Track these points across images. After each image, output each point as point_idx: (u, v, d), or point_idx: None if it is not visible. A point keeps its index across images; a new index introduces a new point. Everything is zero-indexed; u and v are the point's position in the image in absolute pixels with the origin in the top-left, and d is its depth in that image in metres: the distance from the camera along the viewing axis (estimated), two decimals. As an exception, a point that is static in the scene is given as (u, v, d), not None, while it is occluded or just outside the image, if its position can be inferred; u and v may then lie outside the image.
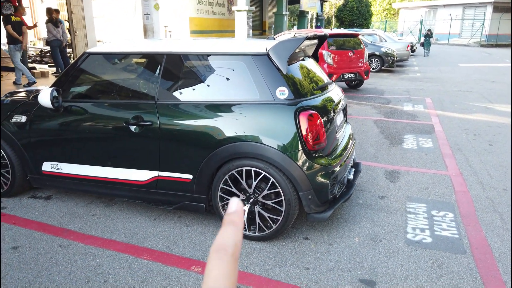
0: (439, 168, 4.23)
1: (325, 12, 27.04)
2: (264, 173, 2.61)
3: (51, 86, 3.16)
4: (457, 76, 12.24)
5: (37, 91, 3.56)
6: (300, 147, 2.57)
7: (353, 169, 3.32)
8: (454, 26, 33.03)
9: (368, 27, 27.08)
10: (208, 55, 2.83)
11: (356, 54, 8.82)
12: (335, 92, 3.15)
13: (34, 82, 8.06)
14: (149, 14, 9.76)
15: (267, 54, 2.69)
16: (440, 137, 5.45)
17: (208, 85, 2.80)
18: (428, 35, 20.42)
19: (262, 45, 2.78)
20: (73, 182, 3.21)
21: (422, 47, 20.81)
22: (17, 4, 9.72)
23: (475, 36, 31.12)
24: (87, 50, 3.17)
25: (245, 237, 2.79)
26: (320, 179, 2.63)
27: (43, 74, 9.45)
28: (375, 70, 13.06)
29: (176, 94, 2.84)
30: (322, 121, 2.67)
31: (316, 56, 3.52)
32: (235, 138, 2.63)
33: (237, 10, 14.20)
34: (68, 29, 10.11)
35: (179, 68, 2.87)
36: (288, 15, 19.93)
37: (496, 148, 4.95)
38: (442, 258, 2.61)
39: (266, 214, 2.70)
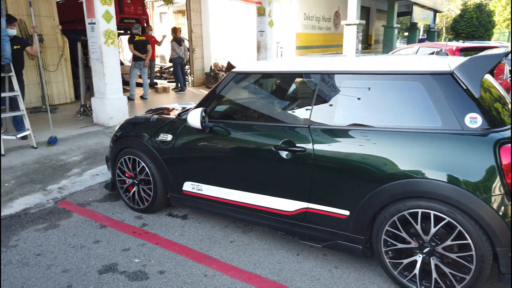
0: None
1: (436, 24, 24.94)
2: (448, 219, 2.13)
3: (197, 106, 3.10)
4: None
5: (182, 109, 3.57)
6: (500, 190, 2.03)
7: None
8: None
9: (489, 39, 24.26)
10: (373, 74, 2.46)
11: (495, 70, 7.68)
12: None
13: (133, 100, 8.52)
14: (264, 31, 9.85)
15: (452, 73, 2.23)
16: None
17: (374, 109, 2.42)
18: None
19: (442, 63, 2.33)
20: (213, 205, 3.08)
21: None
22: (144, 24, 10.63)
23: None
24: (234, 69, 3.05)
25: (414, 292, 2.32)
26: (527, 232, 2.06)
27: (165, 90, 10.10)
28: (508, 87, 11.39)
29: (334, 117, 2.52)
30: (528, 158, 2.10)
31: (492, 73, 2.93)
32: (410, 173, 2.20)
33: (347, 24, 13.70)
34: (187, 47, 10.72)
35: (338, 89, 2.55)
36: (400, 28, 18.78)
37: None
38: None
39: (447, 270, 2.20)
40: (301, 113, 2.72)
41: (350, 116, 2.49)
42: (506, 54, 2.20)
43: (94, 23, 5.96)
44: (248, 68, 3.06)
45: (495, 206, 2.03)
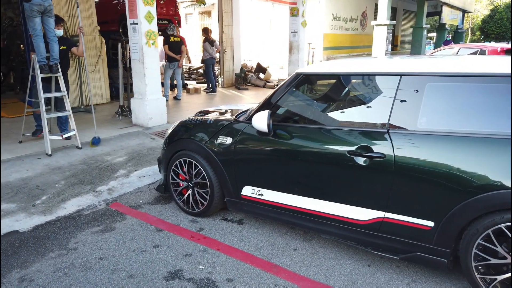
0: None
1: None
2: (555, 233, 1.96)
3: (258, 108, 2.99)
4: None
5: (239, 111, 3.47)
6: None
7: None
8: None
9: (521, 40, 23.48)
10: (462, 76, 2.30)
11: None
12: None
13: (167, 101, 8.45)
14: (296, 32, 9.72)
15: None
16: None
17: (462, 113, 2.27)
18: None
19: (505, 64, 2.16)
20: (276, 211, 2.97)
21: None
22: (177, 24, 10.64)
23: None
24: (299, 71, 2.94)
25: (510, 311, 2.15)
26: None
27: (196, 90, 10.07)
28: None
29: (417, 121, 2.37)
30: None
31: None
32: (508, 183, 2.03)
33: (377, 25, 13.43)
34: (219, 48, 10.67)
35: (421, 92, 2.40)
36: (428, 28, 18.34)
37: None
38: None
39: (550, 288, 2.03)
40: (379, 116, 2.58)
41: (435, 120, 2.34)
42: None
43: (136, 24, 5.94)
44: (314, 70, 2.94)
45: None
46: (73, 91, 7.44)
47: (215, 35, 11.33)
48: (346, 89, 2.99)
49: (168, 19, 10.43)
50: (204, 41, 9.78)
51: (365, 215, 2.55)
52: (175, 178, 3.53)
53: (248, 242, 3.02)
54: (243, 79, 11.19)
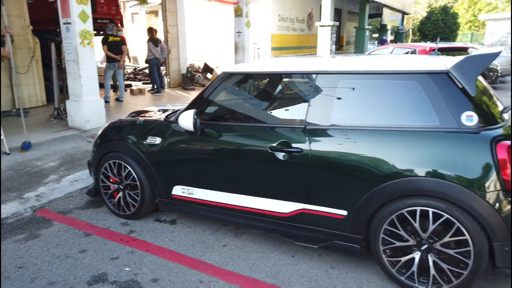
0: None
1: (403, 26, 25.69)
2: (447, 216, 2.15)
3: (187, 107, 3.02)
4: None
5: (168, 111, 3.47)
6: (497, 186, 2.08)
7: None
8: (554, 37, 29.58)
9: (454, 41, 25.23)
10: (371, 74, 2.47)
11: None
12: (514, 118, 2.61)
13: (108, 102, 8.26)
14: (241, 32, 9.81)
15: (448, 73, 2.26)
16: None
17: (372, 109, 2.43)
18: None
19: (437, 62, 2.37)
20: (206, 209, 3.01)
21: None
22: (119, 24, 10.35)
23: None
24: (225, 70, 2.99)
25: (413, 290, 2.34)
26: (522, 226, 2.11)
27: (141, 91, 9.86)
28: (475, 86, 11.87)
29: (331, 117, 2.51)
30: (521, 154, 2.16)
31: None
32: (408, 172, 2.21)
33: (321, 26, 13.88)
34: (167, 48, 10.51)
35: (334, 89, 2.54)
36: (371, 29, 19.19)
37: None
38: None
39: (445, 266, 2.23)
40: (297, 113, 2.69)
41: (347, 116, 2.48)
42: (498, 54, 2.26)
43: (70, 23, 5.73)
44: (241, 69, 3.01)
45: (491, 201, 2.08)
46: (4, 93, 7.01)
47: (160, 35, 11.15)
48: (270, 87, 3.09)
49: (109, 19, 10.13)
50: (148, 41, 9.60)
51: (287, 208, 2.66)
52: (105, 180, 3.46)
53: (178, 242, 3.03)
54: (190, 80, 11.11)
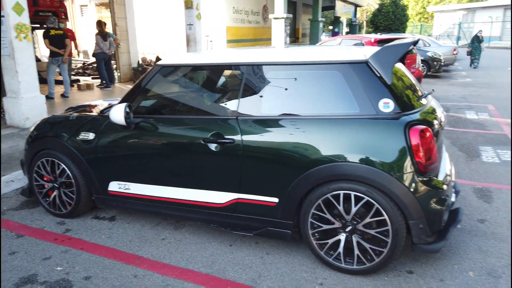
0: (536, 186, 3.74)
1: (357, 18, 26.41)
2: (367, 198, 2.27)
3: (121, 101, 2.96)
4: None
5: (105, 106, 3.39)
6: (411, 168, 2.21)
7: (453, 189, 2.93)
8: (494, 29, 31.57)
9: (404, 32, 26.25)
10: (297, 65, 2.53)
11: (407, 60, 8.33)
12: (435, 103, 2.78)
13: (52, 98, 7.96)
14: (192, 24, 9.67)
15: (367, 62, 2.37)
16: (521, 149, 4.92)
17: (298, 98, 2.50)
18: (479, 39, 14.60)
19: (359, 52, 2.46)
20: (143, 203, 2.98)
21: (470, 55, 14.73)
22: (63, 16, 9.89)
23: (518, 38, 29.51)
24: (159, 63, 2.95)
25: (341, 270, 2.45)
26: (434, 205, 2.26)
27: (88, 86, 9.51)
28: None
29: (261, 108, 2.56)
30: (433, 137, 2.31)
31: (403, 62, 3.16)
32: (332, 158, 2.30)
33: (275, 18, 13.97)
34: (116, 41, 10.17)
35: (263, 80, 2.59)
36: (324, 21, 19.53)
37: None
38: None
39: (367, 245, 2.35)
40: (229, 105, 2.72)
41: (276, 106, 2.54)
42: (414, 43, 2.39)
43: (3, 16, 5.40)
44: (174, 61, 2.98)
45: (406, 183, 2.21)
46: None
47: (109, 28, 10.76)
48: (203, 79, 3.09)
49: (52, 11, 9.66)
50: (96, 35, 9.24)
51: (223, 198, 2.69)
52: (39, 179, 3.33)
53: (116, 238, 2.98)
54: (142, 73, 10.83)
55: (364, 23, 36.26)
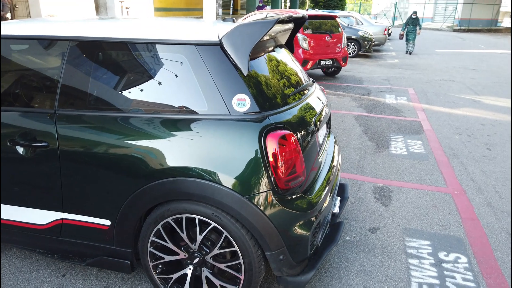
0: (437, 183, 3.51)
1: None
2: (213, 224, 1.75)
3: None
4: (437, 63, 11.67)
5: None
6: (267, 186, 1.71)
7: (339, 197, 2.52)
8: (427, 10, 32.73)
9: (343, 9, 26.25)
10: (131, 43, 1.88)
11: (333, 39, 8.00)
12: (316, 97, 2.29)
13: None
14: (101, -13, 8.50)
15: (220, 44, 1.79)
16: (431, 138, 4.74)
17: (131, 89, 1.87)
18: (414, 21, 13.28)
19: (213, 30, 1.87)
20: None
21: (405, 38, 13.50)
22: None
23: (448, 20, 30.92)
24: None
25: (189, 310, 1.94)
26: (298, 230, 1.80)
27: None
28: (351, 55, 12.33)
29: (85, 101, 1.90)
30: (300, 144, 1.82)
31: (291, 46, 2.64)
32: (170, 171, 1.74)
33: (205, -14, 13.01)
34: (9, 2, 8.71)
35: (89, 63, 1.92)
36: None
37: (495, 153, 4.29)
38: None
39: (217, 282, 1.85)
40: (45, 94, 2.02)
41: (103, 99, 1.89)
42: (276, 21, 1.83)
43: None
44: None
45: (261, 205, 1.71)
46: None
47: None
48: (15, 59, 2.28)
49: None
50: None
51: (44, 218, 2.04)
52: None
53: None
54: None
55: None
